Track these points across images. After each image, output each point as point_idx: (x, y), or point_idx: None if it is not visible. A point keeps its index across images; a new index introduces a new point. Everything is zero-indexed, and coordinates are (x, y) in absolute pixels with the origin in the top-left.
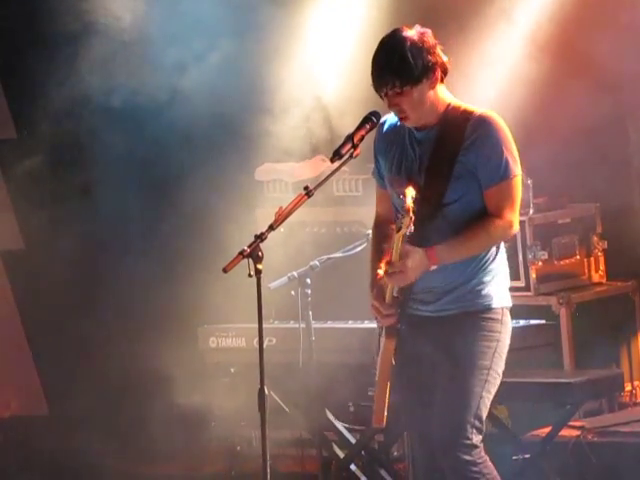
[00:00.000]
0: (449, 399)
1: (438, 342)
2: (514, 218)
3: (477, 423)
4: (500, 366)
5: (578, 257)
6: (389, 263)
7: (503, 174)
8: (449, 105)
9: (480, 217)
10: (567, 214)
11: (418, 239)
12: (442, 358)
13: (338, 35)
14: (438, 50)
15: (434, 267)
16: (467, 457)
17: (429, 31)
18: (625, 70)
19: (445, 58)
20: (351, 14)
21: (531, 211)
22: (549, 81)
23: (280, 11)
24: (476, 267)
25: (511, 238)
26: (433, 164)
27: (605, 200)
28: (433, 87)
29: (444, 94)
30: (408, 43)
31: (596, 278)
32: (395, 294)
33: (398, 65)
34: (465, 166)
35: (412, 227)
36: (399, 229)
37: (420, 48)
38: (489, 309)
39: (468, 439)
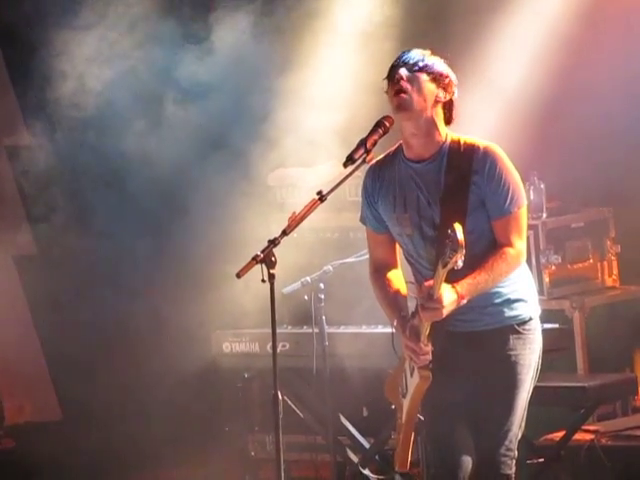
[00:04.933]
0: (497, 411)
1: (481, 357)
2: (524, 246)
3: (519, 434)
4: (536, 374)
5: (591, 261)
6: (429, 298)
7: (512, 205)
8: (447, 137)
9: (493, 247)
10: (580, 218)
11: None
12: (487, 372)
13: (350, 41)
14: (456, 92)
15: (464, 302)
16: (508, 471)
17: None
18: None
19: (455, 110)
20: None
21: (544, 215)
22: (565, 85)
23: (292, 14)
24: (507, 281)
25: None
26: (447, 196)
27: (619, 204)
28: (439, 101)
29: (444, 129)
30: (437, 58)
31: (609, 282)
32: (427, 332)
33: (425, 55)
34: (477, 197)
35: (460, 262)
36: (445, 264)
37: (449, 69)
38: (529, 320)
39: (512, 451)
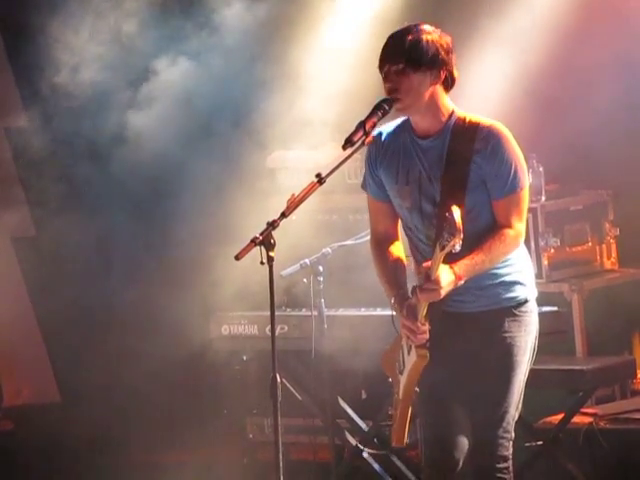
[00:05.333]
0: (493, 393)
1: (477, 338)
2: (523, 227)
3: (516, 415)
4: (532, 356)
5: (590, 244)
6: (427, 279)
7: (513, 186)
8: (453, 114)
9: (491, 227)
10: (579, 201)
11: None
12: (483, 354)
13: (352, 26)
14: (452, 56)
15: (461, 283)
16: (505, 452)
17: (450, 37)
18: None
19: (456, 72)
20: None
21: (543, 198)
22: (564, 68)
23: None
24: (505, 262)
25: None
26: (448, 173)
27: (617, 187)
28: (435, 83)
29: (447, 102)
30: (427, 33)
31: (608, 265)
32: (424, 311)
33: (409, 45)
34: (478, 177)
35: (457, 247)
36: (443, 247)
37: (436, 42)
38: (525, 302)
39: (509, 433)
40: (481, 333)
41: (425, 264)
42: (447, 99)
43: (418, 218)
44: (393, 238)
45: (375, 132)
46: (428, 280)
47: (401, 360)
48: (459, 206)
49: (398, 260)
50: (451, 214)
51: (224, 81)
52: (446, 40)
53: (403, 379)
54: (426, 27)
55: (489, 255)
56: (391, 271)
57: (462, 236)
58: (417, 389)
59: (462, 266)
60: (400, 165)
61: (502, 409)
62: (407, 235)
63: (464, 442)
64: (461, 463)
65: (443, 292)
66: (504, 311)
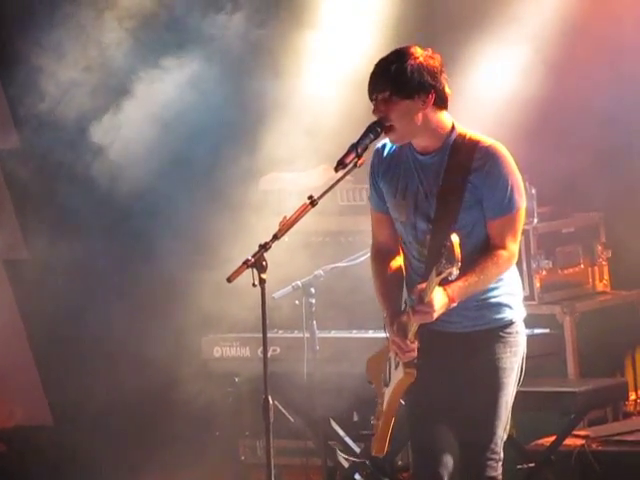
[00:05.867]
0: (480, 415)
1: (464, 358)
2: (516, 249)
3: (504, 436)
4: (520, 376)
5: (582, 266)
6: (420, 301)
7: (509, 207)
8: (453, 131)
9: (485, 248)
10: (571, 223)
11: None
12: (470, 374)
13: (342, 49)
14: (441, 76)
15: (454, 305)
16: (493, 473)
17: (439, 57)
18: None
19: (447, 89)
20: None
21: (535, 220)
22: (554, 92)
23: (283, 13)
24: (493, 283)
25: None
26: (444, 191)
27: (609, 209)
28: (425, 108)
29: (444, 119)
30: (412, 58)
31: (600, 287)
32: (415, 330)
33: (395, 74)
34: (473, 196)
35: (454, 275)
36: (440, 273)
37: (422, 66)
38: (511, 323)
39: (497, 454)
40: (466, 354)
41: (420, 286)
42: (444, 115)
43: (412, 234)
44: (393, 251)
45: (380, 144)
46: (421, 302)
47: (387, 373)
48: (451, 223)
49: (396, 274)
50: (451, 243)
51: (208, 102)
52: (433, 62)
53: (388, 392)
54: (413, 51)
55: (482, 277)
56: (387, 285)
57: (460, 265)
58: (402, 402)
59: (455, 289)
60: (400, 179)
61: (490, 430)
62: (402, 250)
63: (450, 461)
64: None
65: (436, 315)
66: (490, 332)
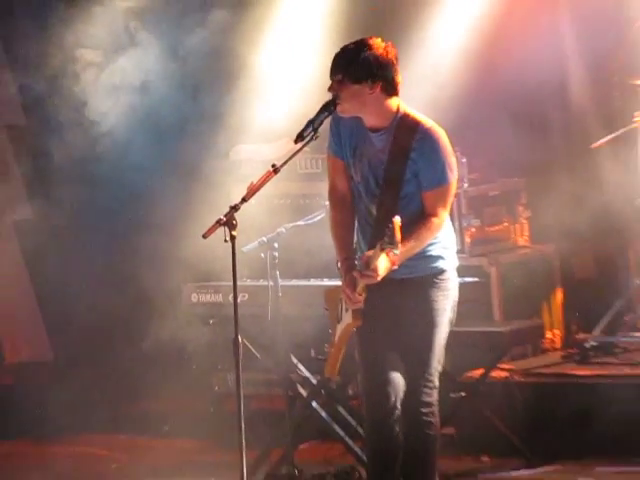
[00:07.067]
0: (417, 347)
1: (404, 299)
2: (446, 216)
3: (439, 367)
4: (452, 317)
5: (506, 224)
6: (367, 266)
7: (441, 180)
8: (399, 112)
9: (420, 215)
10: (496, 187)
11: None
12: (408, 313)
13: (306, 26)
14: (392, 68)
15: (395, 268)
16: (428, 399)
17: (394, 50)
18: (544, 51)
19: (399, 78)
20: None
21: (466, 185)
22: (480, 68)
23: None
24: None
25: None
26: (390, 165)
27: (529, 176)
28: (373, 92)
29: (391, 103)
30: (369, 49)
31: (521, 242)
32: (363, 286)
33: (347, 61)
34: (412, 170)
35: (396, 252)
36: (383, 249)
37: (375, 57)
38: (443, 271)
39: (432, 382)
40: (406, 295)
41: (367, 253)
42: (391, 100)
43: (364, 193)
44: (348, 199)
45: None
46: (368, 267)
47: (340, 311)
48: (397, 191)
49: (349, 220)
50: (393, 226)
51: (178, 81)
52: (387, 55)
53: (339, 328)
54: (372, 42)
55: (418, 242)
56: (341, 233)
57: (400, 246)
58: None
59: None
60: (358, 144)
61: (425, 361)
62: (355, 204)
63: (399, 382)
64: (398, 405)
65: (379, 278)
66: (425, 278)
